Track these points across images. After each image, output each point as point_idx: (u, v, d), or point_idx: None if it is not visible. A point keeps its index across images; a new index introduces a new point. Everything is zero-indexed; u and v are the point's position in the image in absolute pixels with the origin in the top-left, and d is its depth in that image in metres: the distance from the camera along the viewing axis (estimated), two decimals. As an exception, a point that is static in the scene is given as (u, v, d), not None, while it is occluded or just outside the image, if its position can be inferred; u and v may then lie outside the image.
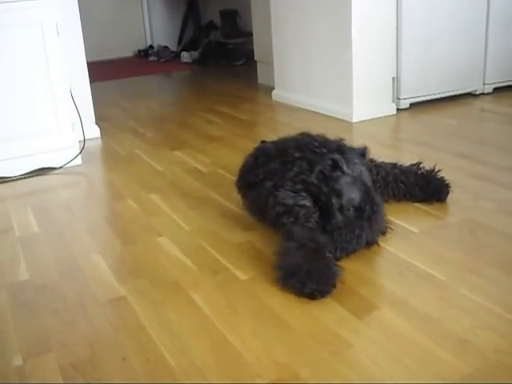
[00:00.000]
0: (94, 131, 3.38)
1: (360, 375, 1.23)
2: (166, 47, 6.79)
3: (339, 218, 1.69)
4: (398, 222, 1.94)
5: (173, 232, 2.02)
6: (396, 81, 3.44)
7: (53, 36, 2.72)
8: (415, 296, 1.51)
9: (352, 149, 1.88)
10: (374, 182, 1.94)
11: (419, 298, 1.50)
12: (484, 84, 3.73)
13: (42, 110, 2.77)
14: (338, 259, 1.65)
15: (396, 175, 2.07)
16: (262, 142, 2.39)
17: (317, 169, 1.75)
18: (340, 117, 3.41)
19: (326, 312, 1.46)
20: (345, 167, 1.73)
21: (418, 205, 2.08)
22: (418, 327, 1.38)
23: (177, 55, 6.63)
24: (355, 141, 2.00)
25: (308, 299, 1.51)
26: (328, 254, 1.60)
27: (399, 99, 3.48)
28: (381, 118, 3.38)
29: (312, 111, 3.64)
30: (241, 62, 5.85)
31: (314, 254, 1.58)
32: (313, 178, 1.76)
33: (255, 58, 4.82)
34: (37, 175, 2.77)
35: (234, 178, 2.16)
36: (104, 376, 1.29)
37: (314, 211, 1.74)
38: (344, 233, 1.67)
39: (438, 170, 2.12)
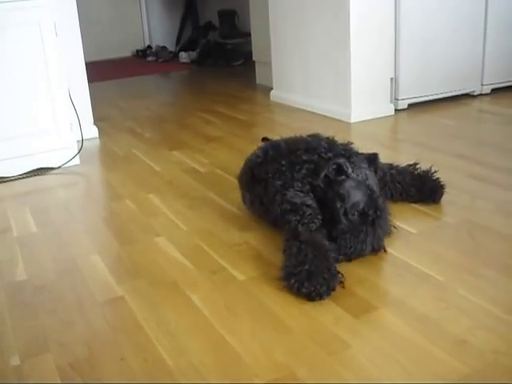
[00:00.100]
0: (92, 131, 3.38)
1: (358, 375, 1.23)
2: (164, 47, 6.79)
3: (344, 222, 1.68)
4: (395, 222, 1.94)
5: (171, 232, 2.02)
6: (394, 81, 3.45)
7: (51, 36, 2.71)
8: (413, 296, 1.51)
9: (358, 153, 1.88)
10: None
11: (417, 299, 1.50)
12: (482, 85, 3.74)
13: (40, 110, 2.76)
14: (340, 262, 1.65)
15: (393, 175, 2.08)
16: (264, 138, 2.39)
17: (322, 173, 1.75)
18: (338, 117, 3.41)
19: (324, 312, 1.47)
20: (350, 171, 1.72)
21: (415, 205, 2.08)
22: (415, 328, 1.38)
23: (175, 55, 6.63)
24: (353, 141, 2.00)
25: (305, 299, 1.51)
26: (331, 258, 1.59)
27: (397, 100, 3.48)
28: (379, 118, 3.38)
29: (310, 112, 3.64)
30: (239, 63, 5.85)
31: (318, 255, 1.57)
32: (319, 182, 1.75)
33: (253, 59, 4.82)
34: (35, 175, 2.77)
35: (232, 179, 2.16)
36: (102, 376, 1.29)
37: (319, 213, 1.74)
38: (348, 238, 1.67)
39: (435, 171, 2.12)
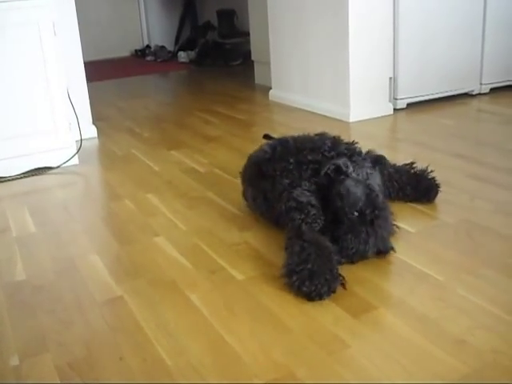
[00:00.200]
0: (90, 131, 3.37)
1: (357, 375, 1.23)
2: (162, 47, 6.79)
3: (345, 222, 1.68)
4: (394, 222, 1.94)
5: (170, 232, 2.02)
6: (393, 81, 3.45)
7: (49, 36, 2.71)
8: (412, 296, 1.51)
9: (361, 152, 1.87)
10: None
11: (416, 299, 1.50)
12: (481, 84, 3.74)
13: (38, 110, 2.76)
14: (342, 264, 1.64)
15: (390, 174, 2.08)
16: (265, 135, 2.38)
17: (322, 172, 1.74)
18: (337, 117, 3.41)
19: (323, 312, 1.46)
20: (350, 170, 1.71)
21: (414, 205, 2.08)
22: (415, 327, 1.38)
23: (174, 55, 6.63)
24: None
25: (305, 299, 1.51)
26: (334, 260, 1.59)
27: (396, 99, 3.48)
28: (378, 118, 3.38)
29: (309, 111, 3.64)
30: (238, 62, 5.85)
31: (321, 256, 1.57)
32: (323, 181, 1.75)
33: (252, 58, 4.82)
34: (34, 175, 2.77)
35: (231, 178, 2.16)
36: (101, 376, 1.29)
37: (322, 214, 1.73)
38: (349, 238, 1.65)
39: (431, 171, 2.12)
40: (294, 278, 1.54)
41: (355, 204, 1.66)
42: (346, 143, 1.95)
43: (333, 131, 2.12)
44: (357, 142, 1.96)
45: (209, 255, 1.82)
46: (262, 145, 2.11)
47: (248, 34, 4.94)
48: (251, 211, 2.10)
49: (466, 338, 1.32)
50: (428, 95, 3.58)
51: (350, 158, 1.79)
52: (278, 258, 1.74)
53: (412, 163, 2.16)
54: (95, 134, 3.40)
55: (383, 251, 1.70)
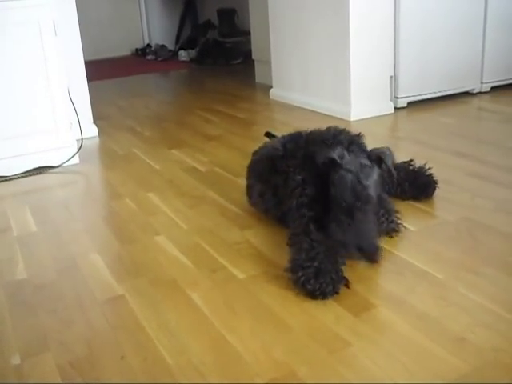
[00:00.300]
0: (91, 130, 3.38)
1: (358, 374, 1.23)
2: (163, 46, 6.79)
3: (334, 210, 1.64)
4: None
5: (171, 231, 2.02)
6: (394, 79, 3.45)
7: (50, 35, 2.71)
8: (413, 295, 1.51)
9: (361, 144, 1.84)
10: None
11: (417, 297, 1.50)
12: (482, 83, 3.74)
13: (39, 109, 2.76)
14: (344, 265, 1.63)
15: (389, 171, 2.07)
16: (267, 133, 2.38)
17: (318, 161, 1.72)
18: (338, 115, 3.41)
19: (324, 311, 1.47)
20: (346, 160, 1.66)
21: (414, 203, 2.08)
22: (415, 326, 1.38)
23: (174, 54, 6.63)
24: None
25: (306, 297, 1.51)
26: (340, 263, 1.58)
27: (397, 98, 3.48)
28: (378, 116, 3.38)
29: (310, 110, 3.64)
30: (238, 61, 5.85)
31: (328, 256, 1.57)
32: (319, 170, 1.72)
33: (253, 57, 4.82)
34: (34, 174, 2.77)
35: (232, 177, 2.15)
36: (102, 375, 1.29)
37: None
38: (333, 227, 1.62)
39: (429, 167, 2.13)
40: (300, 274, 1.53)
41: (343, 193, 1.62)
42: (348, 133, 1.92)
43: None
44: (362, 135, 1.92)
45: (210, 254, 1.83)
46: (273, 140, 2.09)
47: (249, 33, 4.94)
48: (253, 209, 2.10)
49: (467, 336, 1.32)
50: (429, 94, 3.58)
51: (347, 147, 1.76)
52: (279, 256, 1.74)
53: (411, 160, 2.16)
54: (96, 133, 3.41)
55: (366, 250, 1.60)
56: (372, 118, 3.35)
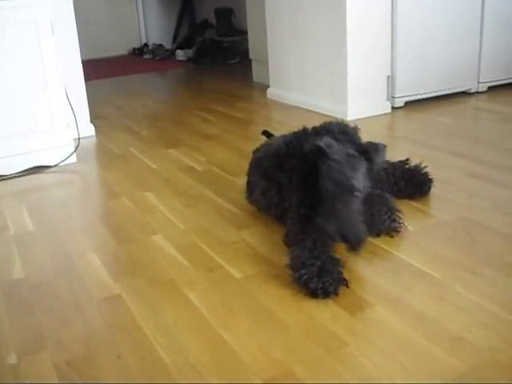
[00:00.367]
0: (88, 129, 3.37)
1: (355, 373, 1.23)
2: (160, 45, 6.78)
3: (324, 204, 1.63)
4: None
5: (168, 230, 2.02)
6: (391, 79, 3.45)
7: (47, 34, 2.71)
8: (410, 294, 1.51)
9: (349, 134, 1.82)
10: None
11: (414, 296, 1.50)
12: (479, 82, 3.74)
13: (36, 109, 2.76)
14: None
15: (386, 169, 2.08)
16: (264, 132, 2.38)
17: (305, 149, 1.70)
18: (335, 115, 3.41)
19: (321, 310, 1.47)
20: (334, 149, 1.64)
21: (412, 203, 2.08)
22: (413, 325, 1.38)
23: (172, 53, 6.62)
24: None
25: (304, 296, 1.51)
26: (341, 265, 1.58)
27: (394, 98, 3.48)
28: (376, 116, 3.38)
29: (307, 109, 3.64)
30: (236, 61, 5.84)
31: (331, 257, 1.57)
32: (308, 159, 1.70)
33: (250, 57, 4.81)
34: (31, 173, 2.76)
35: (230, 177, 2.15)
36: (99, 374, 1.29)
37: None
38: (318, 212, 1.61)
39: (424, 166, 2.13)
40: (303, 272, 1.53)
41: (327, 182, 1.61)
42: (345, 126, 1.89)
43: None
44: (358, 129, 1.91)
45: (207, 253, 1.82)
46: (277, 137, 2.08)
47: (246, 33, 4.94)
48: (250, 208, 2.10)
49: (464, 335, 1.32)
50: (426, 93, 3.58)
51: (337, 137, 1.73)
52: (276, 256, 1.74)
53: (407, 159, 2.17)
54: (93, 133, 3.40)
55: (349, 240, 1.58)
56: (369, 117, 3.35)
